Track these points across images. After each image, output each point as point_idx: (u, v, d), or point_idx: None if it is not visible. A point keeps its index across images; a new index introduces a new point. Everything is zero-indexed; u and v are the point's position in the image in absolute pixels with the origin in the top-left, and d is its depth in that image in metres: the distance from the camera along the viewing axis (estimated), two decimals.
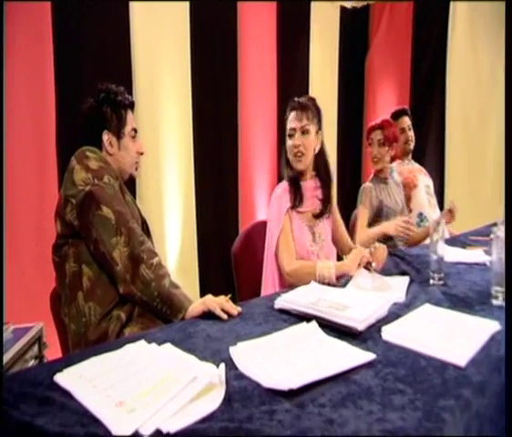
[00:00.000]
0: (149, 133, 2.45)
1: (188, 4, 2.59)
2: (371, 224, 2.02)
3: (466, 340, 0.90)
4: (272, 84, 3.07)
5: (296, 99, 1.58)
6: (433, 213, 2.36)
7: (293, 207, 1.56)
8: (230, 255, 1.74)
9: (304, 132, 1.54)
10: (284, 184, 1.61)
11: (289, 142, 1.56)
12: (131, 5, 2.38)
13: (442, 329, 0.97)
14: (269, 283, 1.59)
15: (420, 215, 2.36)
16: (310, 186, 1.60)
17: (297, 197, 1.56)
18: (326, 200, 1.61)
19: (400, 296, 1.22)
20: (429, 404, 0.69)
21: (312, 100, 1.59)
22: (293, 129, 1.55)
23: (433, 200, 2.46)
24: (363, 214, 2.04)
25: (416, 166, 2.50)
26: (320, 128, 1.59)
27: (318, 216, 1.61)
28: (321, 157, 1.61)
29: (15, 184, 2.06)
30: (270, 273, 1.59)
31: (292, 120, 1.55)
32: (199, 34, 2.64)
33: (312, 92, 3.28)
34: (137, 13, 2.41)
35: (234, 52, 2.85)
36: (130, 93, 1.39)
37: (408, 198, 2.32)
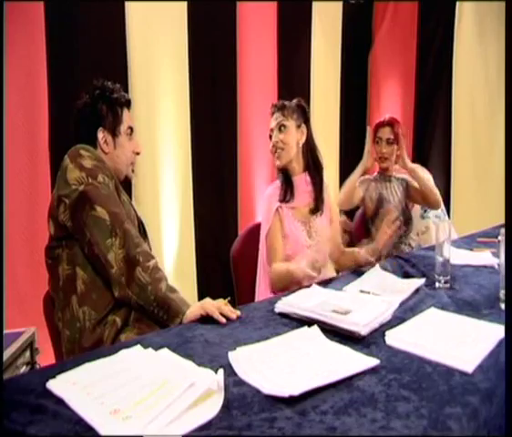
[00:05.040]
0: (146, 133, 2.45)
1: (185, 4, 2.60)
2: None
3: (473, 345, 0.90)
4: (273, 83, 3.08)
5: (273, 103, 1.67)
6: None
7: (283, 200, 1.60)
8: (228, 257, 1.74)
9: (281, 128, 1.60)
10: (276, 182, 1.66)
11: (270, 140, 1.65)
12: (127, 4, 2.39)
13: (448, 334, 0.97)
14: (261, 288, 1.61)
15: (423, 206, 2.37)
16: (301, 180, 1.64)
17: (287, 191, 1.61)
18: (318, 196, 1.64)
19: (400, 298, 1.22)
20: (435, 412, 0.69)
21: (296, 100, 1.66)
22: (271, 129, 1.64)
23: None
24: (346, 186, 2.02)
25: (412, 164, 2.53)
26: (303, 123, 1.63)
27: (312, 212, 1.63)
28: (308, 151, 1.64)
29: (5, 183, 2.05)
30: (263, 277, 1.61)
31: (271, 122, 1.64)
32: (197, 34, 2.64)
33: (314, 90, 3.29)
34: (132, 12, 2.41)
35: (233, 52, 2.85)
36: (126, 93, 1.39)
37: None
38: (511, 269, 0.96)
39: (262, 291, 1.59)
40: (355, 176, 1.98)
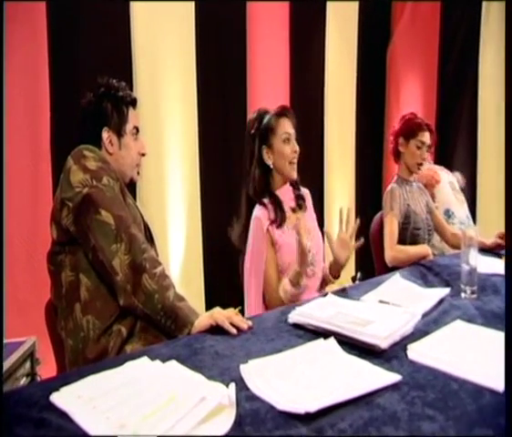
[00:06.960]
0: (152, 134, 2.47)
1: (193, 4, 2.62)
2: (400, 232, 1.96)
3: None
4: (284, 84, 3.09)
5: (281, 106, 1.65)
6: (460, 209, 2.37)
7: (274, 222, 1.58)
8: (238, 264, 1.74)
9: (295, 139, 1.61)
10: (262, 202, 1.60)
11: (285, 147, 1.58)
12: (132, 4, 2.43)
13: (476, 348, 0.96)
14: (252, 304, 1.62)
15: (447, 211, 2.35)
16: (286, 191, 1.66)
17: (278, 214, 1.59)
18: (297, 197, 1.69)
19: (422, 309, 1.20)
20: (463, 433, 0.68)
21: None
22: (289, 134, 1.59)
23: (460, 196, 2.45)
24: (392, 223, 1.94)
25: (434, 166, 2.51)
26: None
27: (294, 211, 1.66)
28: None
29: (5, 185, 2.08)
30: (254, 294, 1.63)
31: (287, 125, 1.59)
32: (204, 34, 2.67)
33: (328, 91, 3.29)
34: (137, 12, 2.45)
35: (243, 52, 2.87)
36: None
37: (432, 197, 2.30)
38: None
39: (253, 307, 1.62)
40: (414, 253, 1.90)
